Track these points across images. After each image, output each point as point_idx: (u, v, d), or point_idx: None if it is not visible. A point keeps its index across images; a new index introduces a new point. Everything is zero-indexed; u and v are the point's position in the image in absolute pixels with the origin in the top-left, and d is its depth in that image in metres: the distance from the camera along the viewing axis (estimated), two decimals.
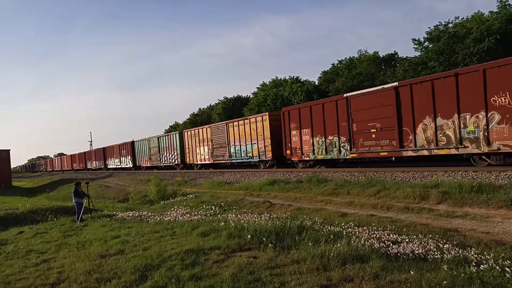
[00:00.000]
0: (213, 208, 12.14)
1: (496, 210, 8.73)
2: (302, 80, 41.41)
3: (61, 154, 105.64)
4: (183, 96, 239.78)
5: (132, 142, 41.15)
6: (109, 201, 21.87)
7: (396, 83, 15.30)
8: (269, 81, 45.56)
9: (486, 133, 12.02)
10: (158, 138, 35.10)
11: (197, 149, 29.03)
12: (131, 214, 12.50)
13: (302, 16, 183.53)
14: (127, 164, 42.59)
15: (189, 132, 30.42)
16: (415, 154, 14.33)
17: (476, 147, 12.37)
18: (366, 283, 4.55)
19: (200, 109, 60.52)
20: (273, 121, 21.49)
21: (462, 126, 12.66)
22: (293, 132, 19.79)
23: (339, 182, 14.07)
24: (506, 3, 25.05)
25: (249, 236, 6.82)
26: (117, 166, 45.84)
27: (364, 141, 16.06)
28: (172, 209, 12.86)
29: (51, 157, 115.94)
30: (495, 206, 8.89)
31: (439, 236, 6.50)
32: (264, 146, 21.91)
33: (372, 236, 6.59)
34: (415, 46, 30.11)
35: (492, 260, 5.02)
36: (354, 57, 39.60)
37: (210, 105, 57.83)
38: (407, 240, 6.25)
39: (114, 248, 7.42)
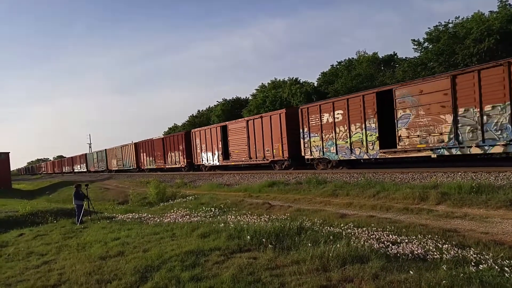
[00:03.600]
0: (213, 210, 12.15)
1: (495, 210, 8.75)
2: (301, 82, 41.48)
3: (60, 157, 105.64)
4: (182, 98, 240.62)
5: (85, 154, 60.89)
6: (109, 203, 21.84)
7: (162, 135, 35.25)
8: (268, 83, 45.65)
9: (184, 159, 30.72)
10: (97, 152, 53.87)
11: (112, 161, 47.93)
12: (130, 216, 12.50)
13: (299, 18, 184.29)
14: (84, 169, 60.42)
15: (110, 150, 48.90)
16: (167, 167, 33.86)
17: (180, 164, 31.42)
18: (365, 283, 4.56)
19: (199, 111, 60.66)
20: (135, 147, 40.76)
21: (176, 156, 31.99)
22: (142, 155, 39.30)
23: (338, 183, 14.08)
24: (507, 2, 25.05)
25: (248, 237, 6.84)
26: (79, 170, 63.48)
27: (158, 161, 35.58)
28: (172, 211, 12.85)
29: (50, 160, 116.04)
30: (494, 206, 8.91)
31: (438, 236, 6.52)
32: (134, 160, 41.10)
33: (371, 236, 6.61)
34: (415, 47, 30.19)
35: (491, 260, 5.04)
36: (353, 58, 39.69)
37: (209, 107, 57.99)
38: (406, 240, 6.27)
39: (114, 250, 7.44)
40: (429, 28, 29.04)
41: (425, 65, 28.06)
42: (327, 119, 17.93)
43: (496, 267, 4.78)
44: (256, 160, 22.74)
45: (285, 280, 4.88)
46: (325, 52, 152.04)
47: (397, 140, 15.00)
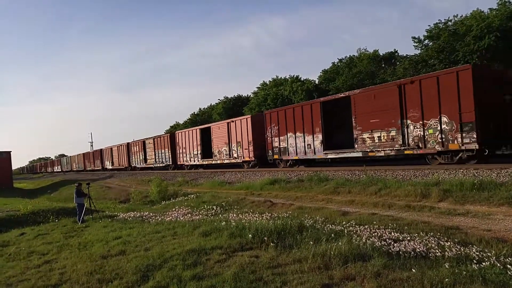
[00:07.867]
0: (214, 208, 12.14)
1: (498, 207, 8.71)
2: (302, 79, 41.39)
3: (62, 155, 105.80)
4: (183, 96, 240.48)
5: (60, 159, 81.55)
6: (110, 202, 21.86)
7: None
8: (269, 80, 45.52)
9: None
10: (65, 158, 75.45)
11: (73, 164, 67.31)
12: (132, 215, 12.49)
13: (299, 16, 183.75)
14: (60, 170, 77.31)
15: (72, 157, 69.17)
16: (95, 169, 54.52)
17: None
18: (367, 281, 4.55)
19: (200, 109, 60.63)
20: (83, 156, 61.10)
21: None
22: (84, 161, 60.54)
23: (340, 181, 14.04)
24: (506, 0, 25.01)
25: (250, 235, 6.82)
26: (56, 170, 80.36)
27: (91, 164, 57.05)
28: (173, 209, 12.86)
29: (52, 159, 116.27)
30: (497, 203, 8.88)
31: (440, 234, 6.50)
32: (82, 163, 60.85)
33: (373, 234, 6.59)
34: (415, 44, 30.12)
35: (494, 258, 5.02)
36: (354, 55, 39.59)
37: (211, 105, 57.93)
38: (408, 238, 6.25)
39: (115, 249, 7.43)
40: (429, 25, 28.97)
41: (425, 62, 27.97)
42: None
43: (499, 265, 4.76)
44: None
45: (287, 279, 4.87)
46: (325, 49, 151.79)
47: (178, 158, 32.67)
